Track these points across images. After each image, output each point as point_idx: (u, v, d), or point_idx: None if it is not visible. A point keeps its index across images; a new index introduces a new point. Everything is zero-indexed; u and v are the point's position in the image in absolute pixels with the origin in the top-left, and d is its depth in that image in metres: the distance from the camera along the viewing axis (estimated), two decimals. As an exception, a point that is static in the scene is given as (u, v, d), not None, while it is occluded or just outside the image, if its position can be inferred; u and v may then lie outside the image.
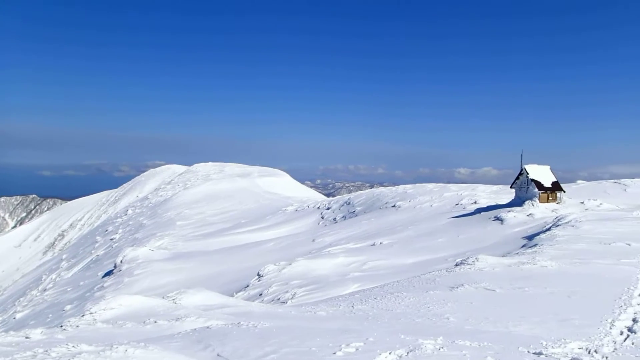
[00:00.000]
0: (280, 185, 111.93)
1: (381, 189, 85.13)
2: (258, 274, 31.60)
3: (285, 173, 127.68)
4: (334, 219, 67.73)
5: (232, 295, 28.59)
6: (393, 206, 61.18)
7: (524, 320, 9.75)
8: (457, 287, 13.57)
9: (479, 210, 47.24)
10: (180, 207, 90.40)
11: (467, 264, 17.05)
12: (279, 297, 25.05)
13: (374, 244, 38.28)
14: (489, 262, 16.95)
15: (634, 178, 73.03)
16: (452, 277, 15.38)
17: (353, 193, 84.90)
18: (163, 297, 12.16)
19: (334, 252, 36.68)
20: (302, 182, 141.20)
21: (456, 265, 17.81)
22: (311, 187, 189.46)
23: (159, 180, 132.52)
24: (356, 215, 64.62)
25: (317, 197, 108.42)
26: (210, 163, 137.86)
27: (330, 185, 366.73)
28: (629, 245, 21.02)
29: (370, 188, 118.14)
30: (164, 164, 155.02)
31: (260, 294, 27.11)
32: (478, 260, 17.20)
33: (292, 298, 23.89)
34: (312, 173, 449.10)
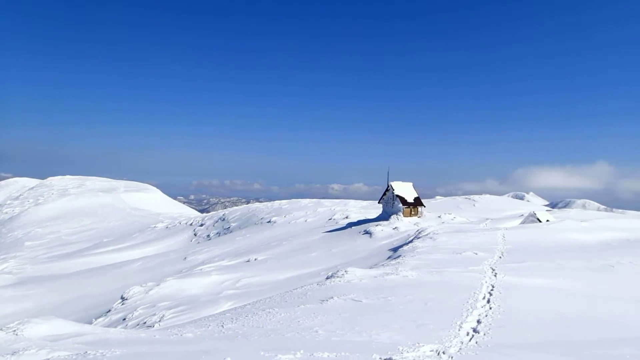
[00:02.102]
0: (149, 200, 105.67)
1: (257, 204, 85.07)
2: (122, 297, 29.22)
3: (155, 188, 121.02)
4: (208, 235, 65.78)
5: (90, 322, 25.95)
6: (268, 222, 61.36)
7: (386, 328, 10.30)
8: (327, 300, 13.91)
9: (350, 225, 49.54)
10: (30, 225, 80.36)
11: (337, 277, 17.62)
12: (145, 320, 23.38)
13: (248, 260, 37.84)
14: (357, 274, 17.72)
15: (481, 194, 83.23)
16: (322, 291, 15.74)
17: (228, 209, 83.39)
18: (1, 329, 10.53)
19: (207, 270, 35.46)
20: (174, 198, 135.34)
21: (327, 278, 18.31)
22: (184, 202, 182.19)
23: (4, 195, 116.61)
24: (231, 232, 63.50)
25: (190, 213, 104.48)
26: (68, 176, 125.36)
27: (205, 201, 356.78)
28: (476, 254, 23.60)
29: (247, 204, 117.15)
30: (11, 177, 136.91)
31: (124, 319, 25.07)
32: (347, 272, 17.88)
33: (159, 321, 22.44)
34: (185, 188, 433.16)
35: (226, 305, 23.26)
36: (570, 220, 39.70)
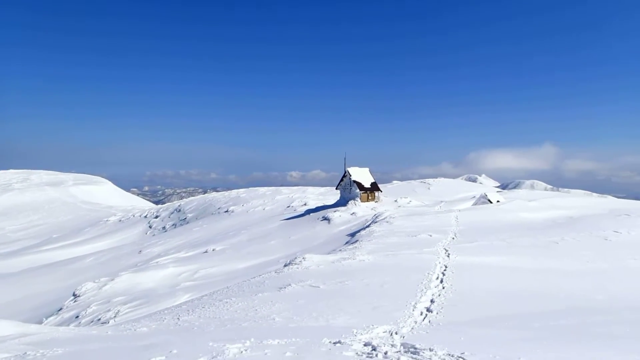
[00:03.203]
0: (100, 194, 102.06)
1: (214, 194, 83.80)
2: (74, 294, 28.18)
3: (106, 180, 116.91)
4: (164, 227, 64.37)
5: (41, 322, 24.90)
6: (226, 211, 60.64)
7: (342, 312, 10.40)
8: (285, 287, 13.90)
9: (309, 212, 49.67)
10: (-28, 223, 76.23)
11: (295, 264, 17.64)
12: (99, 317, 22.68)
13: (206, 251, 37.30)
14: (315, 260, 17.80)
15: (436, 178, 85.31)
16: (280, 278, 15.72)
17: (184, 199, 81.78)
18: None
19: (163, 262, 34.70)
20: (128, 190, 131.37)
21: (285, 266, 18.29)
22: (138, 194, 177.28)
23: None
24: (187, 223, 62.37)
25: (145, 205, 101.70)
26: (11, 170, 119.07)
27: (160, 192, 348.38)
28: (431, 236, 24.20)
29: (203, 194, 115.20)
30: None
31: (77, 316, 24.22)
32: (305, 259, 17.92)
33: (114, 317, 21.84)
34: (138, 180, 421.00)
35: (183, 298, 22.89)
36: (519, 200, 41.35)
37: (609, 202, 42.95)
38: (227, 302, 13.40)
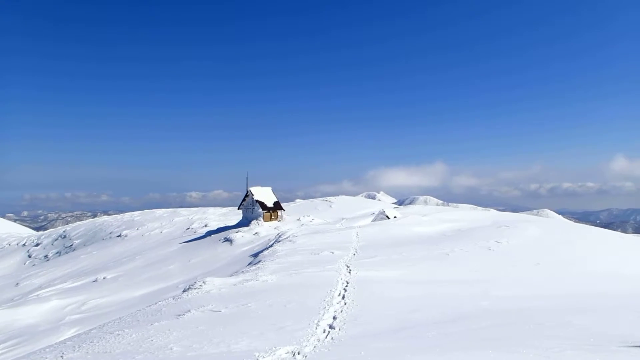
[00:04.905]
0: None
1: (105, 217, 78.08)
2: None
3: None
4: (46, 256, 58.50)
5: None
6: (119, 236, 56.75)
7: (245, 335, 10.10)
8: (183, 314, 13.20)
9: (210, 233, 48.18)
10: None
11: (195, 289, 16.89)
12: (-36, 363, 19.79)
13: (96, 280, 34.47)
14: (216, 283, 17.19)
15: (337, 195, 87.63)
16: (179, 304, 14.92)
17: (71, 224, 75.15)
18: None
19: (45, 295, 31.41)
20: (3, 216, 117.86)
21: (184, 291, 17.43)
22: (15, 220, 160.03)
23: None
24: (74, 250, 57.32)
25: (23, 231, 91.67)
26: None
27: (42, 217, 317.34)
28: (333, 253, 24.65)
29: (93, 217, 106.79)
30: None
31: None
32: (205, 283, 17.24)
33: (-16, 361, 19.19)
34: (15, 204, 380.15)
35: (69, 333, 20.88)
36: (414, 215, 43.85)
37: (492, 215, 47.24)
38: (119, 335, 12.38)
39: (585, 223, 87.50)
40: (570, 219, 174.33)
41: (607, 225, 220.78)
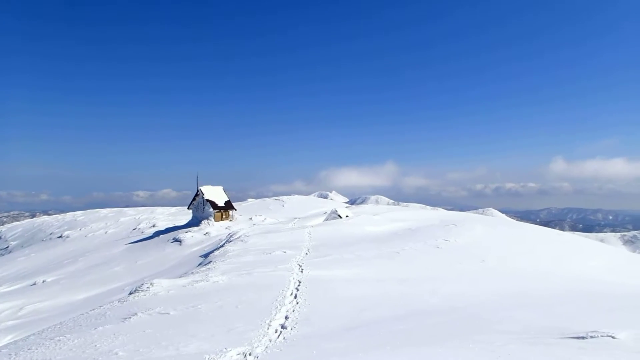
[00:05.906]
0: None
1: (45, 217, 74.12)
2: None
3: None
4: (-21, 259, 54.72)
5: None
6: (60, 237, 54.07)
7: (194, 338, 9.85)
8: (129, 318, 12.71)
9: (158, 233, 46.78)
10: None
11: (142, 291, 16.31)
12: None
13: (34, 284, 32.66)
14: (164, 285, 16.69)
15: (290, 195, 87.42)
16: (125, 308, 14.36)
17: (6, 225, 70.82)
18: None
19: (-23, 300, 29.37)
20: None
21: (130, 294, 16.80)
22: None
23: None
24: (10, 252, 54.10)
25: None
26: None
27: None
28: (285, 252, 24.55)
29: (31, 218, 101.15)
30: None
31: None
32: (153, 285, 16.70)
33: None
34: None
35: (5, 340, 19.64)
36: (365, 214, 44.45)
37: (440, 214, 48.63)
38: (59, 341, 11.75)
39: (527, 221, 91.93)
40: (513, 218, 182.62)
41: (546, 224, 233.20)
